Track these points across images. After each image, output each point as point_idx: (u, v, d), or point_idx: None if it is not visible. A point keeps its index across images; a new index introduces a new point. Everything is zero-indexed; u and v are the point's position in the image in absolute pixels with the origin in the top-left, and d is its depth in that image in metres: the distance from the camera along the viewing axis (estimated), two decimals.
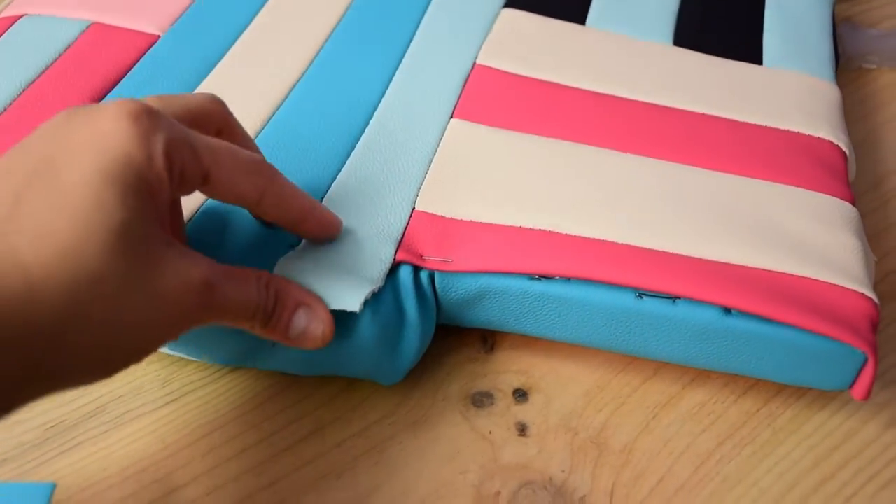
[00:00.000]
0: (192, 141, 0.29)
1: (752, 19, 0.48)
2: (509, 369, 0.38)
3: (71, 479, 0.34)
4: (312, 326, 0.32)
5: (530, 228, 0.36)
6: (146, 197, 0.27)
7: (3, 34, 0.44)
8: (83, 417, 0.36)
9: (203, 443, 0.35)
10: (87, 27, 0.44)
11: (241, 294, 0.30)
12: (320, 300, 0.32)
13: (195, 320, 0.29)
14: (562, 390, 0.37)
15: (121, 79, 0.42)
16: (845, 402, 0.37)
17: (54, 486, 0.31)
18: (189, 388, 0.37)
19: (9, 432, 0.36)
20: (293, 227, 0.34)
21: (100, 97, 0.41)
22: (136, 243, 0.26)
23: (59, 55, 0.43)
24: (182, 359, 0.38)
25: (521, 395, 0.37)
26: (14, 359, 0.24)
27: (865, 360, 0.34)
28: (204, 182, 0.30)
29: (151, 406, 0.37)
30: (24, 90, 0.41)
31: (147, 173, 0.27)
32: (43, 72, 0.42)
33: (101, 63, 0.42)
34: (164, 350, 0.37)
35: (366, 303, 0.32)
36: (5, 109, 0.40)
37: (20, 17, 0.45)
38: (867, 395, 0.34)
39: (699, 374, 0.38)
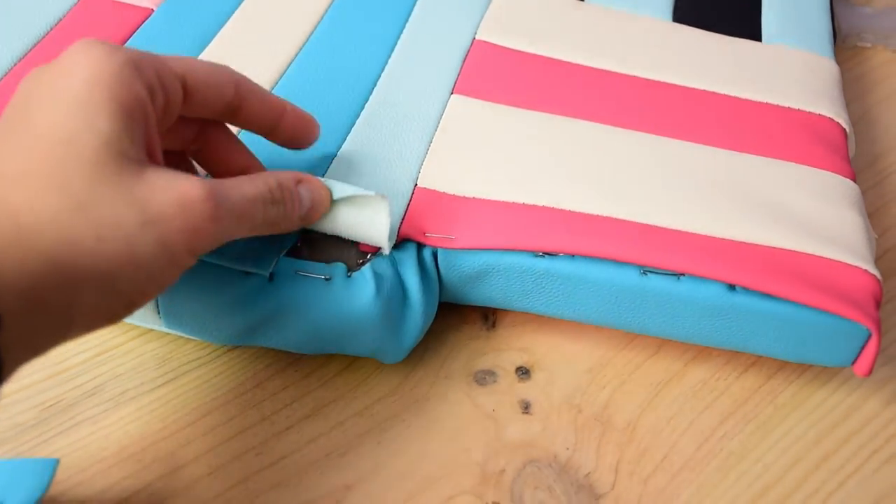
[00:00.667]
0: (158, 56, 0.28)
1: None
2: (512, 347, 0.38)
3: (70, 459, 0.34)
4: (316, 192, 0.32)
5: (534, 205, 0.36)
6: (122, 117, 0.26)
7: None
8: (81, 396, 0.36)
9: (203, 422, 0.35)
10: (78, 1, 0.43)
11: (245, 191, 0.29)
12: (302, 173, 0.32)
13: (207, 236, 0.27)
14: (565, 368, 0.37)
15: None
16: (846, 379, 0.38)
17: (58, 462, 0.30)
18: (188, 367, 0.37)
19: (5, 412, 0.35)
20: (272, 128, 0.33)
21: None
22: (116, 164, 0.25)
23: (51, 28, 0.42)
24: (181, 337, 0.37)
25: (523, 372, 0.37)
26: (15, 301, 0.23)
27: (868, 336, 0.34)
28: (184, 94, 0.29)
29: (150, 385, 0.36)
30: (14, 65, 0.40)
31: (119, 91, 0.26)
32: (34, 45, 0.41)
33: (95, 34, 0.41)
34: (162, 328, 0.36)
35: (367, 280, 0.32)
36: (6, 74, 0.39)
37: None
38: (870, 370, 0.34)
39: (701, 352, 0.38)
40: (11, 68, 0.40)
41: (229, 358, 0.37)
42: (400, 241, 0.35)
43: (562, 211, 0.36)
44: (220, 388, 0.36)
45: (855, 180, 0.39)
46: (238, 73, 0.31)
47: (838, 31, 0.53)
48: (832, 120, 0.41)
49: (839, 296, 0.33)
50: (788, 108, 0.41)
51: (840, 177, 0.38)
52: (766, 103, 0.41)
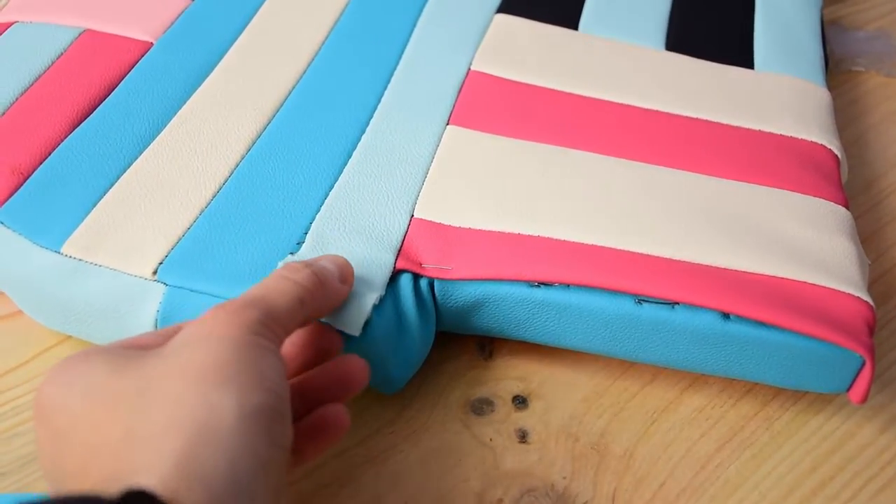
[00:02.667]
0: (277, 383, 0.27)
1: (742, 23, 0.48)
2: (508, 376, 0.38)
3: None
4: (335, 261, 0.32)
5: (529, 235, 0.36)
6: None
7: None
8: None
9: None
10: (80, 34, 0.44)
11: (285, 301, 0.29)
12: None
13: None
14: (561, 396, 0.38)
15: (115, 86, 0.41)
16: (842, 405, 0.38)
17: None
18: None
19: (8, 445, 0.35)
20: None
21: (94, 105, 0.40)
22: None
23: (53, 62, 0.42)
24: None
25: (520, 401, 0.37)
26: None
27: (863, 363, 0.34)
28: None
29: None
30: (17, 98, 0.40)
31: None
32: (36, 79, 0.41)
33: (94, 70, 0.42)
34: None
35: (367, 323, 0.33)
36: (3, 114, 0.39)
37: (12, 23, 0.45)
38: (865, 397, 0.34)
39: (696, 379, 0.38)
40: (14, 102, 0.40)
41: None
42: (397, 272, 0.35)
43: (556, 241, 0.36)
44: None
45: (847, 206, 0.39)
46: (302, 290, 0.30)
47: (831, 56, 0.54)
48: (824, 146, 0.42)
49: (832, 323, 0.34)
50: (780, 135, 0.42)
51: (832, 203, 0.39)
52: (758, 131, 0.42)
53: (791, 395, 0.38)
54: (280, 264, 0.34)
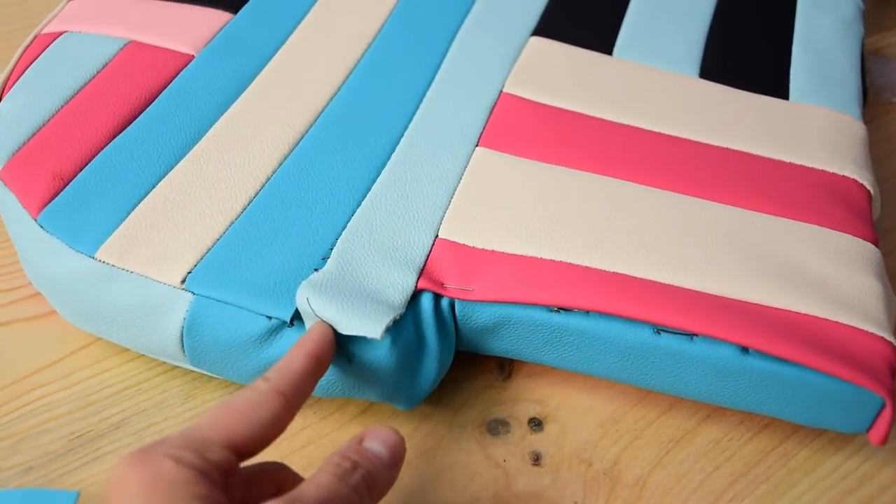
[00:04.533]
0: (195, 435, 0.27)
1: (779, 53, 0.48)
2: (526, 398, 0.38)
3: (93, 489, 0.35)
4: (387, 437, 0.30)
5: (551, 260, 0.36)
6: None
7: (45, 50, 0.45)
8: (108, 429, 0.37)
9: None
10: (125, 45, 0.45)
11: (317, 481, 0.28)
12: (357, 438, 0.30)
13: None
14: (577, 421, 0.38)
15: (155, 97, 0.42)
16: (863, 445, 0.37)
17: (78, 495, 0.32)
18: (211, 404, 0.38)
19: (37, 441, 0.37)
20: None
21: (134, 115, 0.41)
22: None
23: (97, 72, 0.44)
24: (205, 375, 0.38)
25: (536, 424, 0.38)
26: None
27: (883, 405, 0.34)
28: (238, 452, 0.29)
29: (174, 421, 0.37)
30: (62, 106, 0.42)
31: None
32: (81, 88, 0.43)
33: (137, 81, 0.43)
34: (187, 366, 0.37)
35: (386, 329, 0.33)
36: (44, 124, 0.41)
37: (62, 33, 0.46)
38: (884, 439, 0.34)
39: (715, 411, 0.38)
40: (59, 110, 0.41)
41: None
42: (418, 291, 0.36)
43: (578, 267, 0.36)
44: None
45: (877, 243, 0.39)
46: (278, 382, 0.30)
47: (871, 87, 0.53)
48: (856, 181, 0.41)
49: (853, 362, 0.33)
50: (811, 167, 0.41)
51: (859, 240, 0.38)
52: (789, 163, 0.42)
53: (810, 432, 0.38)
54: (304, 283, 0.34)
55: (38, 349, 0.40)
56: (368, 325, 0.33)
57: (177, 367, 0.39)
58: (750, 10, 0.51)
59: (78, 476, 0.35)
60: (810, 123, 0.44)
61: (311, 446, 0.37)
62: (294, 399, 0.30)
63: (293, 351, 0.31)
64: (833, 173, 0.41)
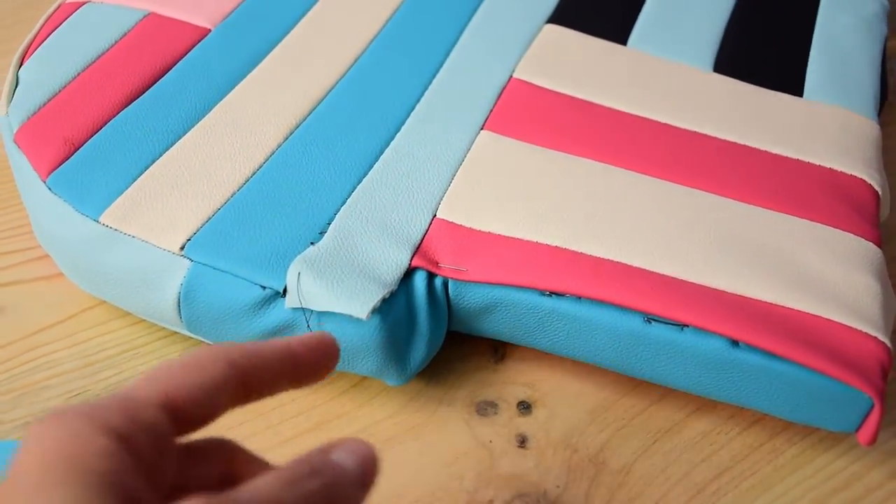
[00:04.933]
0: (125, 395, 0.23)
1: (796, 50, 0.48)
2: (517, 381, 0.39)
3: None
4: (358, 453, 0.25)
5: (546, 244, 0.37)
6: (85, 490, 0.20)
7: (67, 18, 0.46)
8: (104, 390, 0.38)
9: (212, 425, 0.37)
10: (145, 17, 0.46)
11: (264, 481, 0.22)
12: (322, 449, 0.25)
13: None
14: (566, 406, 0.38)
15: (169, 69, 0.43)
16: (852, 446, 0.37)
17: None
18: None
19: (37, 396, 0.38)
20: (292, 378, 0.27)
21: (147, 85, 0.42)
22: None
23: (115, 42, 0.44)
24: (203, 343, 0.39)
25: (525, 407, 0.38)
26: None
27: (873, 405, 0.33)
28: (174, 417, 0.23)
29: None
30: (78, 74, 0.43)
31: (78, 462, 0.21)
32: (98, 57, 0.43)
33: (152, 52, 0.44)
34: (186, 332, 0.38)
35: (374, 310, 0.33)
36: (60, 91, 0.42)
37: (84, 3, 0.47)
38: (873, 440, 0.34)
39: (705, 403, 0.38)
40: (75, 77, 0.42)
41: None
42: (412, 269, 0.36)
43: (573, 252, 0.36)
44: None
45: (880, 244, 0.38)
46: (228, 348, 0.25)
47: (891, 90, 0.52)
48: (864, 181, 0.41)
49: (844, 361, 0.33)
50: (819, 165, 0.41)
51: (862, 240, 0.38)
52: (796, 160, 0.41)
53: (800, 430, 0.37)
54: (298, 258, 0.35)
55: (44, 309, 0.41)
56: (356, 304, 0.33)
57: (176, 333, 0.40)
58: (771, 7, 0.50)
59: None
60: (821, 121, 0.43)
61: (300, 417, 0.37)
62: (245, 377, 0.25)
63: (277, 339, 0.27)
64: (840, 172, 0.41)
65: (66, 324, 0.40)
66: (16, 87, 0.43)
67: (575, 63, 0.45)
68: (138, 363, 0.39)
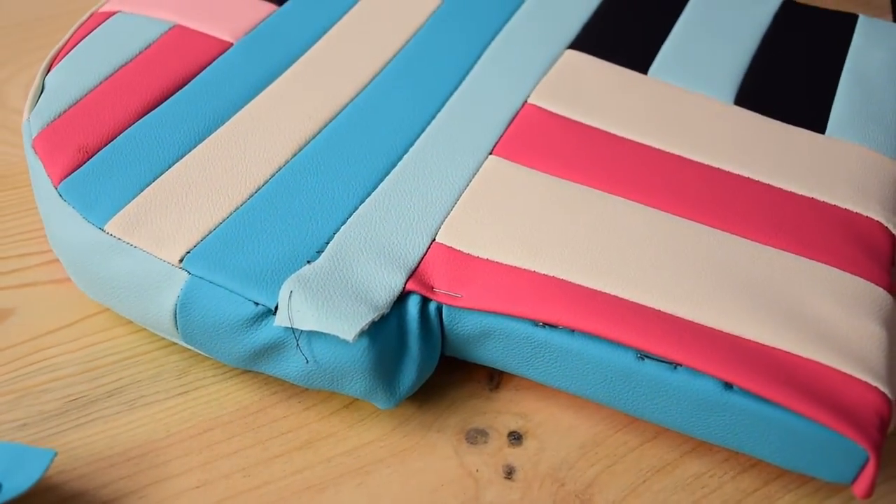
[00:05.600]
0: None
1: (822, 85, 0.46)
2: (510, 410, 0.38)
3: (80, 451, 0.37)
4: None
5: (543, 274, 0.36)
6: None
7: (96, 27, 0.48)
8: (102, 395, 0.38)
9: (204, 437, 0.37)
10: (170, 28, 0.47)
11: None
12: None
13: None
14: (557, 439, 0.37)
15: (188, 81, 0.44)
16: (850, 497, 0.36)
17: (55, 454, 0.33)
18: (202, 382, 0.39)
19: (36, 399, 0.38)
20: None
21: (165, 97, 0.43)
22: None
23: (139, 53, 0.45)
24: (201, 354, 0.40)
25: (515, 437, 0.37)
26: None
27: (868, 458, 0.32)
28: None
29: (165, 395, 0.39)
30: (101, 82, 0.43)
31: None
32: (121, 67, 0.44)
33: (173, 64, 0.45)
34: (184, 344, 0.39)
35: (362, 333, 0.33)
36: (81, 99, 0.42)
37: (116, 12, 0.48)
38: (868, 493, 0.33)
39: (700, 445, 0.37)
40: (97, 86, 0.43)
41: (241, 380, 0.39)
42: (406, 293, 0.36)
43: (569, 284, 0.36)
44: (226, 407, 0.38)
45: (890, 290, 0.37)
46: None
47: None
48: (880, 223, 0.39)
49: (840, 410, 0.32)
50: (833, 205, 0.40)
51: (872, 284, 0.37)
52: (810, 197, 0.40)
53: (797, 478, 0.36)
54: (292, 277, 0.35)
55: (51, 312, 0.41)
56: (343, 326, 0.33)
57: (175, 343, 0.40)
58: (800, 40, 0.49)
59: (67, 437, 0.37)
60: (841, 160, 0.42)
61: (290, 434, 0.37)
62: None
63: None
64: (856, 213, 0.40)
65: (70, 328, 0.41)
66: (41, 93, 0.44)
67: (592, 90, 0.45)
68: (137, 370, 0.39)
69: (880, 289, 0.37)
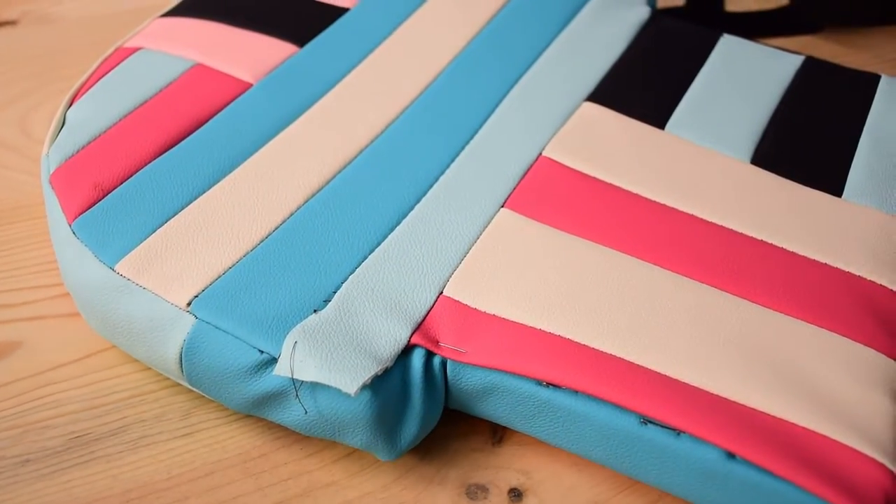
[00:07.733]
0: None
1: (841, 147, 0.46)
2: (512, 466, 0.38)
3: (80, 490, 0.37)
4: None
5: (549, 333, 0.36)
6: None
7: (119, 63, 0.48)
8: (105, 434, 0.39)
9: (204, 481, 0.37)
10: (192, 67, 0.48)
11: None
12: None
13: None
14: (558, 498, 0.37)
15: (206, 121, 0.44)
16: None
17: None
18: (206, 424, 0.39)
19: (40, 435, 0.39)
20: None
21: (183, 136, 0.43)
22: None
23: (159, 90, 0.46)
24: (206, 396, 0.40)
25: (516, 494, 0.37)
26: None
27: None
28: None
29: (168, 435, 0.39)
30: (119, 119, 0.44)
31: None
32: (140, 104, 0.45)
33: (192, 103, 0.45)
34: (189, 386, 0.39)
35: (363, 386, 0.33)
36: (99, 135, 0.43)
37: (139, 49, 0.49)
38: None
39: None
40: (116, 123, 0.44)
41: (244, 424, 0.39)
42: (412, 346, 0.36)
43: (574, 343, 0.36)
44: (228, 450, 0.38)
45: None
46: None
47: None
48: (893, 292, 0.39)
49: (844, 486, 0.32)
50: (848, 273, 0.39)
51: (882, 356, 0.36)
52: (823, 263, 0.40)
53: None
54: (297, 327, 0.35)
55: (59, 347, 0.42)
56: (346, 379, 0.33)
57: (181, 384, 0.40)
58: (820, 99, 0.49)
59: (68, 475, 0.37)
60: (856, 225, 0.42)
61: (290, 481, 0.37)
62: None
63: None
64: (869, 280, 0.39)
65: (77, 364, 0.41)
66: (62, 126, 0.44)
67: (607, 145, 0.45)
68: (142, 409, 0.39)
69: (891, 361, 0.36)
